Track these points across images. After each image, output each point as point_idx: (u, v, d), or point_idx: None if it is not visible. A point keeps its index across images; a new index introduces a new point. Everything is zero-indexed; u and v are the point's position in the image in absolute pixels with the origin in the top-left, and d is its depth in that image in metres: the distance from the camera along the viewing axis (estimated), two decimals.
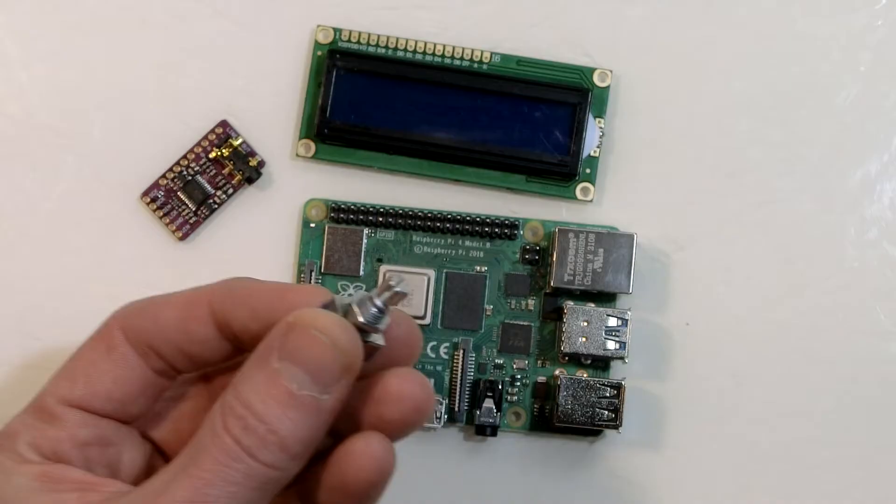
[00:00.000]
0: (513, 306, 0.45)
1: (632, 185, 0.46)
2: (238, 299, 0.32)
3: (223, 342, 0.33)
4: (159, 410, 0.34)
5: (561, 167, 0.45)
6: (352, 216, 0.45)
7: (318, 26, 0.46)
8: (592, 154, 0.46)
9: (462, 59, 0.46)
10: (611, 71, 0.46)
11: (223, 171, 0.45)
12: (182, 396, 0.35)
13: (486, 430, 0.44)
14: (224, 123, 0.46)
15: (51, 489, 0.30)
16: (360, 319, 0.31)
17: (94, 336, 0.33)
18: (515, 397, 0.45)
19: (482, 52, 0.46)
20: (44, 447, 0.31)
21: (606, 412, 0.43)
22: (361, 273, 0.45)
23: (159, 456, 0.35)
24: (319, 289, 0.32)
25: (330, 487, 0.32)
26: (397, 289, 0.31)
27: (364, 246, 0.45)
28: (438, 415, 0.44)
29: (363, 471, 0.31)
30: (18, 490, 0.30)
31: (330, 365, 0.30)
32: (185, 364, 0.33)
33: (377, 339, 0.31)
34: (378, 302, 0.31)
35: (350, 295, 0.40)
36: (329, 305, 0.31)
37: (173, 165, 0.45)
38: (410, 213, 0.45)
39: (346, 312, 0.31)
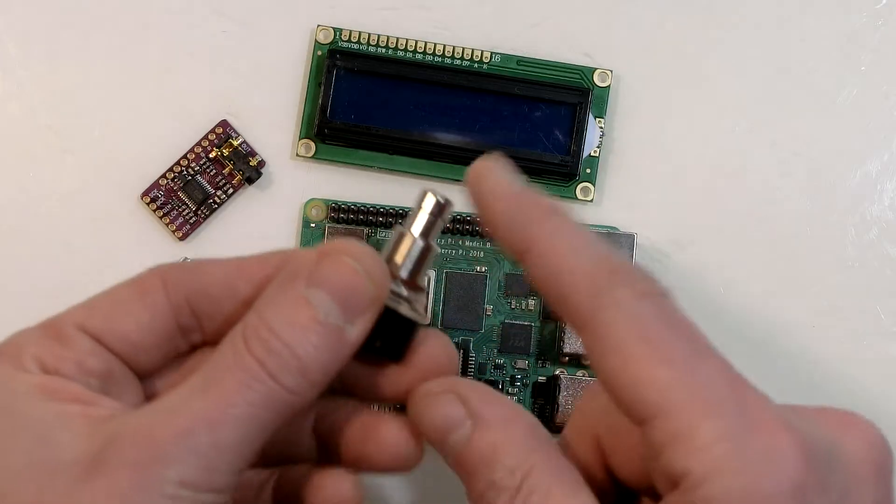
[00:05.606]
0: (513, 306, 0.45)
1: (632, 185, 0.46)
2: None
3: None
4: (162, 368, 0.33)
5: (561, 167, 0.45)
6: (352, 216, 0.45)
7: (318, 26, 0.46)
8: (592, 154, 0.46)
9: (462, 59, 0.46)
10: (611, 71, 0.46)
11: (223, 171, 0.45)
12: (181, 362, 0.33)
13: None
14: (224, 123, 0.46)
15: (51, 398, 0.29)
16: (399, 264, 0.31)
17: (132, 279, 0.32)
18: (515, 397, 0.45)
19: (482, 52, 0.46)
20: (47, 363, 0.30)
21: None
22: None
23: None
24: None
25: None
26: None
27: None
28: None
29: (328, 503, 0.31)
30: (17, 398, 0.29)
31: (360, 295, 0.29)
32: (215, 326, 0.32)
33: (414, 311, 0.31)
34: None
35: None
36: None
37: (173, 165, 0.45)
38: None
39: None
